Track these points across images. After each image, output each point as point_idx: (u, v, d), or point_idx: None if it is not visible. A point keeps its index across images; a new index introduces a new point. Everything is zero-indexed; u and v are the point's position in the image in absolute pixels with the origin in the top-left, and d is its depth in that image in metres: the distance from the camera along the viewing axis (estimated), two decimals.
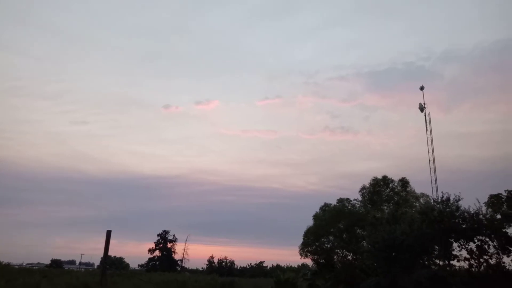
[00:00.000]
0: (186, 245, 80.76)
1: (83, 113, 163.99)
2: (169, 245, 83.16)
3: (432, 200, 30.84)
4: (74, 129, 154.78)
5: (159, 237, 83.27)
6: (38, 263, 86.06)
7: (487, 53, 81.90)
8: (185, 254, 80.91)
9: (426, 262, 24.93)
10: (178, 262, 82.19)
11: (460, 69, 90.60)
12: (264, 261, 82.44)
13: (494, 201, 22.86)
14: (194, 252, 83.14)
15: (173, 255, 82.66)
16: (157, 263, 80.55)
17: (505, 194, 22.42)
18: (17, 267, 52.67)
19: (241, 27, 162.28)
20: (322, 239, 37.81)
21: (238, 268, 79.41)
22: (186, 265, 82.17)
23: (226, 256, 78.97)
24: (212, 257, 78.92)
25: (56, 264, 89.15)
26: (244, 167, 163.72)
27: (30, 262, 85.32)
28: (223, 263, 77.68)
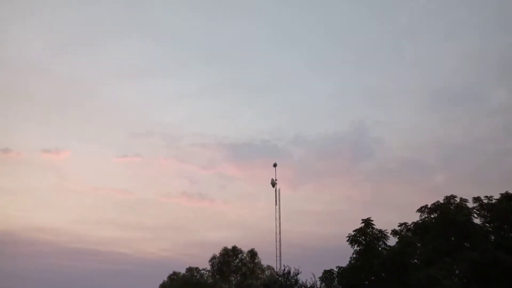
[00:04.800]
0: None
1: None
2: None
3: (275, 273, 32.35)
4: None
5: None
6: None
7: (327, 142, 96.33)
8: None
9: None
10: None
11: (306, 152, 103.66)
12: None
13: (327, 276, 24.97)
14: None
15: None
16: None
17: (337, 270, 24.72)
18: None
19: (109, 78, 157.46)
20: None
21: None
22: None
23: None
24: None
25: None
26: (90, 228, 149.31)
27: None
28: None
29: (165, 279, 37.93)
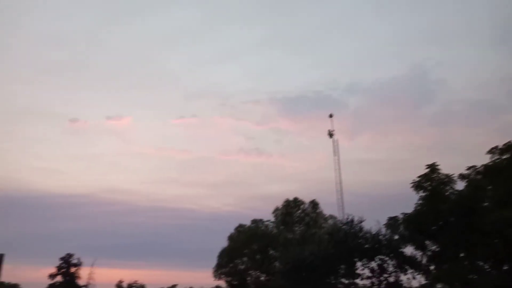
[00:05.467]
0: (92, 269, 75.60)
1: None
2: (72, 269, 77.22)
3: (339, 222, 32.73)
4: None
5: (62, 261, 76.92)
6: None
7: (385, 88, 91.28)
8: (91, 279, 75.65)
9: (333, 281, 26.15)
10: (83, 287, 76.57)
11: (362, 100, 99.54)
12: (177, 284, 79.90)
13: (392, 223, 24.93)
14: (101, 277, 77.42)
15: (76, 280, 76.81)
16: None
17: (402, 217, 24.56)
18: None
19: (161, 43, 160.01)
20: (236, 261, 37.97)
21: None
22: None
23: (136, 280, 75.33)
24: (121, 281, 74.69)
25: None
26: (157, 186, 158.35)
27: None
28: (133, 287, 73.99)
29: (232, 231, 39.68)
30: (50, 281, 75.20)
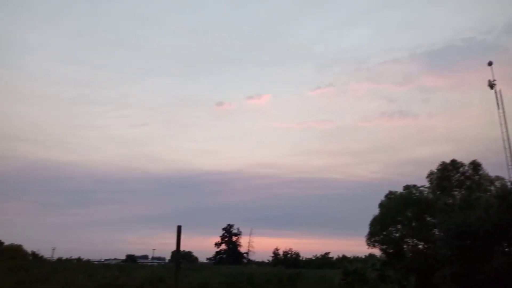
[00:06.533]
0: (251, 238, 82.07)
1: (140, 116, 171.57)
2: (234, 238, 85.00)
3: (509, 183, 28.73)
4: (134, 131, 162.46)
5: (224, 231, 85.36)
6: (115, 259, 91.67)
7: None
8: (250, 247, 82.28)
9: (506, 249, 23.41)
10: (244, 255, 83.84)
11: None
12: (329, 252, 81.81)
13: None
14: (258, 245, 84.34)
15: (238, 248, 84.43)
16: (224, 256, 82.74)
17: None
18: (96, 263, 56.61)
19: (286, 16, 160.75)
20: (390, 228, 36.62)
21: (304, 259, 79.39)
22: (252, 257, 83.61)
23: (290, 248, 79.24)
24: (277, 249, 79.53)
25: (130, 259, 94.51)
26: (301, 159, 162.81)
27: (107, 257, 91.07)
28: (288, 255, 78.04)
29: (383, 198, 38.24)
30: (216, 249, 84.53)
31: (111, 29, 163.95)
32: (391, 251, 37.03)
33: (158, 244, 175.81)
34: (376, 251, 41.23)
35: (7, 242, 74.81)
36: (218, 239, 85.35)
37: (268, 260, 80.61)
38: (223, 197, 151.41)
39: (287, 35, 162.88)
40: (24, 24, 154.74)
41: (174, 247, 17.01)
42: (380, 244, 37.58)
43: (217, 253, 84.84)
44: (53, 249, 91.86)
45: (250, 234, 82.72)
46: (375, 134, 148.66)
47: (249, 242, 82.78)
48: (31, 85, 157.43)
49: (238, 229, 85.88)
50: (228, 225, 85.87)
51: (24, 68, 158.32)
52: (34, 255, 69.41)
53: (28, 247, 72.05)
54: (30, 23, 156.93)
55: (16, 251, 68.23)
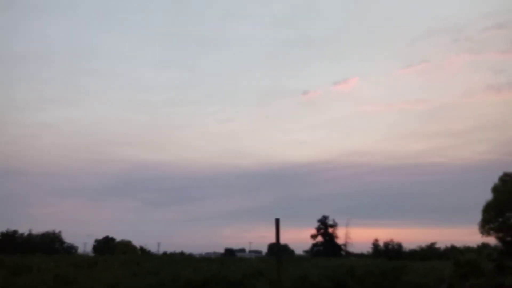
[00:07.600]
0: (348, 229, 79.90)
1: (228, 111, 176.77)
2: (330, 230, 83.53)
3: None
4: (222, 127, 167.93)
5: (319, 223, 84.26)
6: (214, 252, 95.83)
7: None
8: (348, 238, 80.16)
9: None
10: (341, 246, 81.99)
11: None
12: (435, 242, 76.42)
13: None
14: (356, 236, 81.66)
15: (335, 240, 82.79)
16: (321, 248, 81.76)
17: None
18: (198, 256, 59.42)
19: None
20: (507, 214, 32.84)
21: (407, 250, 75.17)
22: (350, 249, 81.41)
23: (391, 238, 75.50)
24: (377, 240, 76.32)
25: (229, 252, 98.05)
26: (397, 144, 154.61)
27: (207, 251, 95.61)
28: (390, 246, 74.51)
29: (496, 181, 34.37)
30: (313, 241, 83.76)
31: (195, 28, 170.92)
32: (509, 239, 33.38)
33: (254, 237, 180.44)
34: (491, 240, 37.47)
35: (118, 238, 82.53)
36: (314, 231, 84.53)
37: (368, 252, 77.81)
38: (315, 188, 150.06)
39: (371, 13, 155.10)
40: (114, 33, 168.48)
41: (270, 240, 16.87)
42: (495, 232, 34.02)
43: (314, 245, 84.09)
44: (159, 244, 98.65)
45: (347, 225, 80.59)
46: (481, 110, 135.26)
47: (346, 233, 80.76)
48: (126, 92, 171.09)
49: (333, 220, 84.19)
50: (323, 216, 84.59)
51: (119, 76, 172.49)
52: (142, 250, 75.48)
53: (137, 242, 78.60)
54: (119, 32, 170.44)
55: (126, 246, 74.80)
